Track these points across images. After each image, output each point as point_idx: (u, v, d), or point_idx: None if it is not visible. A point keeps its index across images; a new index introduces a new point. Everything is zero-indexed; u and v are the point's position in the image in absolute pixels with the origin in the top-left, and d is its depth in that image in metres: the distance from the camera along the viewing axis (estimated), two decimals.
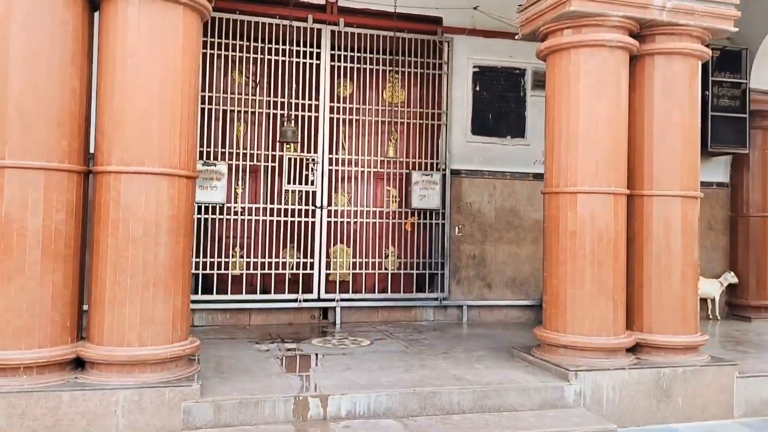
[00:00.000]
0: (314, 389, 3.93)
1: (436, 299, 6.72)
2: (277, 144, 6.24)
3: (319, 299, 6.39)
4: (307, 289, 6.37)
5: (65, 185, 3.57)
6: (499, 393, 4.07)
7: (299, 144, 6.41)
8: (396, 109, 6.79)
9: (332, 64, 6.44)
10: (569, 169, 4.49)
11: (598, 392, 4.23)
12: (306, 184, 6.37)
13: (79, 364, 3.66)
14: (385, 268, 6.67)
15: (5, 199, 3.41)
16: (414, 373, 4.37)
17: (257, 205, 6.30)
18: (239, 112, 6.33)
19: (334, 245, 6.61)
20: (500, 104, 7.02)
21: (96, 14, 3.80)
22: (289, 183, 6.30)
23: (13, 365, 3.41)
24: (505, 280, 6.99)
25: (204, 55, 6.10)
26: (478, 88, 6.93)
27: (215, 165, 6.03)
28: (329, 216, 6.47)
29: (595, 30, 4.42)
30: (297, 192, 6.41)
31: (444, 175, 6.74)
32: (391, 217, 6.73)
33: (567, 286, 4.45)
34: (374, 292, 6.59)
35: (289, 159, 6.31)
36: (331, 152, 6.47)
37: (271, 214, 6.32)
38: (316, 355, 4.94)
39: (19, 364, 3.42)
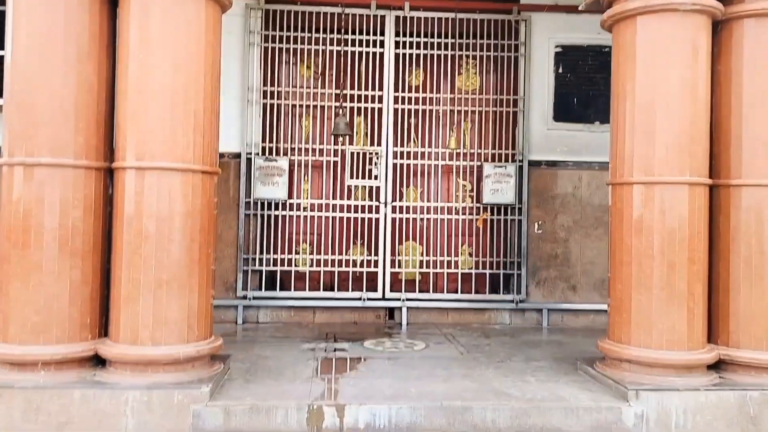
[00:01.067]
0: (333, 397, 3.67)
1: (512, 301, 6.20)
2: (339, 138, 6.04)
3: (383, 298, 6.12)
4: (373, 287, 6.12)
5: (82, 182, 3.57)
6: (542, 411, 3.57)
7: (365, 136, 6.19)
8: (469, 96, 6.34)
9: (397, 51, 6.12)
10: (634, 156, 3.87)
11: (665, 416, 3.60)
12: (369, 178, 6.11)
13: (100, 361, 3.67)
14: (457, 267, 6.26)
15: (21, 196, 3.47)
16: (452, 383, 3.98)
17: (320, 201, 6.13)
18: (306, 106, 6.20)
19: (405, 242, 6.29)
20: (587, 87, 6.34)
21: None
22: (351, 178, 6.08)
23: (32, 361, 3.47)
24: (592, 281, 6.31)
25: (270, 49, 6.04)
26: (561, 70, 6.31)
27: (276, 161, 5.94)
28: (397, 212, 6.18)
29: None
30: (361, 187, 6.18)
31: (521, 167, 6.20)
32: (465, 213, 6.31)
33: (632, 291, 3.85)
34: (444, 292, 6.21)
35: (352, 153, 6.08)
36: (396, 145, 6.16)
37: (335, 210, 6.14)
38: (360, 358, 4.67)
39: (37, 360, 3.47)
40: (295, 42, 6.10)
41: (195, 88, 3.63)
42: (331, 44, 6.09)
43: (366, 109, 6.14)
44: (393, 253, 6.23)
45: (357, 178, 6.09)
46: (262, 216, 6.04)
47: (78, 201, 3.56)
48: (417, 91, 6.23)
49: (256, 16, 6.00)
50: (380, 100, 6.10)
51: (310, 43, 6.10)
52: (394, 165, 6.15)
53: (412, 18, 6.12)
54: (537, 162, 6.27)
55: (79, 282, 3.57)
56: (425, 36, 6.16)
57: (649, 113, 3.80)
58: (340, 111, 5.11)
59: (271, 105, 6.05)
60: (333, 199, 6.14)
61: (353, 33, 6.08)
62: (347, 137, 6.02)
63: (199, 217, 3.67)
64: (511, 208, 6.25)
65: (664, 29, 3.79)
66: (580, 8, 4.42)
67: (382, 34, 6.12)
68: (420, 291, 6.18)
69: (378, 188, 6.13)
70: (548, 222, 6.29)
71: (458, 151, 6.22)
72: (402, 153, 6.17)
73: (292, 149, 6.10)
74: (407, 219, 6.22)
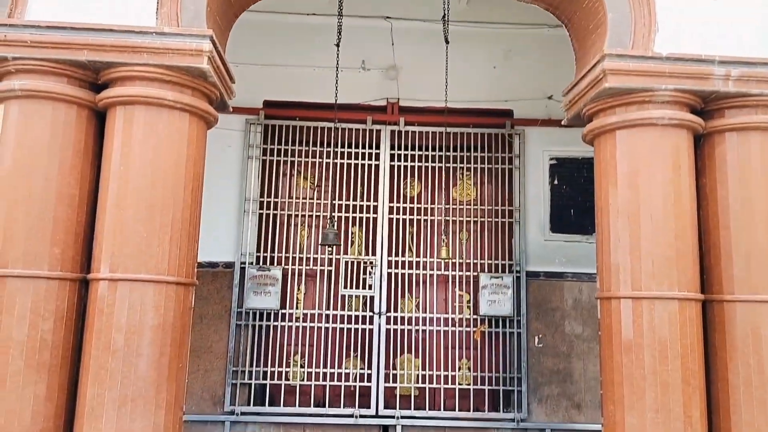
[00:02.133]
0: None
1: (513, 420, 5.88)
2: (330, 247, 6.02)
3: (377, 415, 5.85)
4: (366, 403, 5.87)
5: (55, 293, 3.53)
6: None
7: (360, 246, 6.17)
8: (464, 207, 6.35)
9: (392, 163, 6.22)
10: (620, 269, 3.76)
11: None
12: (364, 288, 6.02)
13: None
14: (455, 383, 6.01)
15: None
16: None
17: (313, 311, 6.03)
18: (302, 216, 6.25)
19: (400, 355, 6.10)
20: (583, 198, 6.34)
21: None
22: (346, 287, 6.00)
23: None
24: (597, 400, 5.98)
25: (269, 161, 6.18)
26: (556, 182, 6.33)
27: (269, 270, 5.91)
28: (392, 323, 6.03)
29: (640, 108, 3.80)
30: (355, 297, 6.09)
31: (518, 278, 6.09)
32: (462, 325, 6.13)
33: (624, 413, 3.61)
34: (441, 409, 5.93)
35: (347, 262, 6.04)
36: (391, 254, 6.12)
37: (329, 321, 6.02)
38: None
39: None
40: (293, 155, 6.24)
41: (173, 199, 3.66)
42: (328, 157, 6.22)
43: (362, 219, 6.16)
44: (388, 367, 6.02)
45: (351, 287, 6.01)
46: (254, 326, 5.94)
47: (49, 312, 3.50)
48: (412, 201, 6.27)
49: (256, 131, 6.19)
50: (375, 210, 6.13)
51: (307, 156, 6.24)
52: (389, 274, 6.08)
53: (407, 132, 6.27)
54: (535, 273, 6.15)
55: (43, 397, 3.44)
56: (420, 149, 6.28)
57: (633, 226, 3.73)
58: (332, 220, 5.13)
59: (267, 215, 6.10)
60: (327, 309, 6.04)
61: (350, 146, 6.22)
62: (342, 246, 6.01)
63: (171, 330, 3.58)
64: (509, 321, 6.07)
65: (643, 143, 3.79)
66: (563, 123, 4.47)
67: (378, 147, 6.25)
68: (416, 408, 5.91)
69: (372, 298, 6.03)
70: (549, 335, 6.08)
71: (453, 260, 6.15)
72: (397, 262, 6.12)
73: (287, 258, 6.08)
74: (403, 330, 6.06)
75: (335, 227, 5.55)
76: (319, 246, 6.10)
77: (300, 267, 6.08)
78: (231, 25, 4.42)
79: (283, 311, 5.98)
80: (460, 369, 6.12)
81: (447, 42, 5.33)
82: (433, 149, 6.26)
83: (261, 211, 6.07)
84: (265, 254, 6.03)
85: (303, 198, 6.25)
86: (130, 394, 3.41)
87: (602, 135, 3.99)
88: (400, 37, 6.31)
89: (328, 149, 6.21)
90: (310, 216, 6.20)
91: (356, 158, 6.22)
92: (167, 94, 3.67)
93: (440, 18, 5.22)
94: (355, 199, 6.17)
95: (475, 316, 6.13)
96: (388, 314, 6.03)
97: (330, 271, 6.10)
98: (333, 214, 5.25)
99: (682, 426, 3.48)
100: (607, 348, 3.80)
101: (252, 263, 5.97)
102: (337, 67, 5.16)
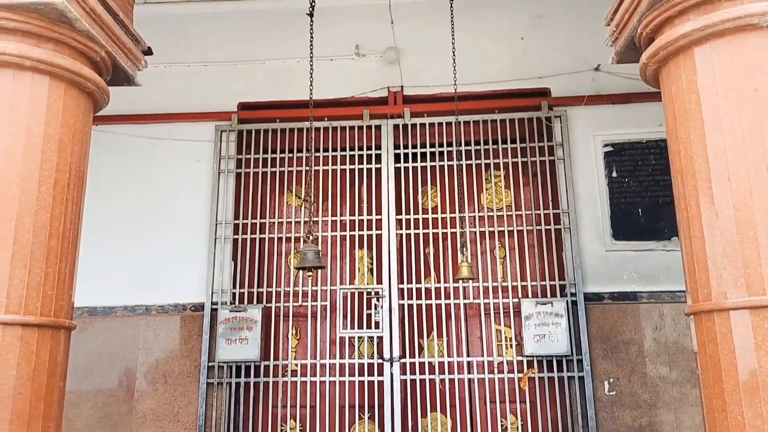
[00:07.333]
0: None
1: None
2: (328, 275, 4.69)
3: None
4: None
5: None
6: None
7: (369, 273, 4.82)
8: (496, 214, 4.91)
9: (397, 165, 4.89)
10: (726, 264, 2.27)
11: None
12: (369, 327, 4.63)
13: None
14: None
15: None
16: None
17: (305, 362, 4.66)
18: (288, 239, 4.96)
19: (427, 414, 4.62)
20: (653, 193, 4.80)
21: None
22: (345, 328, 4.63)
23: None
24: None
25: (245, 175, 4.98)
26: (615, 174, 4.84)
27: (245, 310, 4.60)
28: (411, 372, 4.59)
29: (733, 1, 2.38)
30: (360, 340, 4.70)
31: (574, 302, 4.57)
32: (504, 371, 4.62)
33: None
34: None
35: (344, 294, 4.68)
36: (402, 281, 4.72)
37: (325, 374, 4.63)
38: None
39: None
40: (274, 164, 5.01)
41: (20, 199, 2.45)
42: (317, 163, 4.95)
43: (362, 237, 4.82)
44: (413, 430, 4.56)
45: (353, 327, 4.63)
46: (230, 385, 4.60)
47: None
48: (426, 212, 4.90)
49: (228, 140, 5.01)
50: (379, 226, 4.79)
51: (291, 165, 5.00)
52: (402, 307, 4.66)
53: (414, 126, 4.96)
54: (597, 295, 4.62)
55: None
56: (431, 146, 4.94)
57: (741, 193, 2.26)
58: (310, 236, 3.82)
59: (243, 241, 4.84)
60: (323, 358, 4.66)
61: (343, 149, 4.96)
62: (348, 275, 4.67)
63: (21, 394, 2.31)
64: (566, 361, 4.52)
65: (740, 58, 2.35)
66: (610, 62, 3.06)
67: (378, 147, 4.94)
68: None
69: (382, 339, 4.62)
70: (624, 379, 4.49)
71: (486, 285, 4.69)
72: (411, 291, 4.71)
73: (269, 294, 4.77)
74: (425, 381, 4.60)
75: (316, 244, 4.24)
76: (307, 276, 4.75)
77: (286, 304, 4.74)
78: None
79: (266, 363, 4.62)
80: (505, 430, 4.59)
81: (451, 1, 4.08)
82: (449, 144, 4.90)
83: (236, 236, 4.82)
84: (242, 290, 4.74)
85: (288, 217, 4.97)
86: None
87: (671, 60, 2.56)
88: (399, 15, 5.08)
89: (317, 154, 4.95)
90: (297, 239, 4.89)
91: (352, 162, 4.94)
92: (7, 47, 2.51)
93: None
94: (353, 214, 4.85)
95: (520, 358, 4.62)
96: (404, 360, 4.59)
97: (324, 307, 4.73)
98: (312, 227, 3.92)
99: None
100: (712, 390, 2.28)
101: (226, 303, 4.69)
102: (311, 47, 3.97)
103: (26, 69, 2.55)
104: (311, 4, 4.01)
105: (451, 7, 4.14)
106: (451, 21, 4.12)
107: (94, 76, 2.78)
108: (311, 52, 3.98)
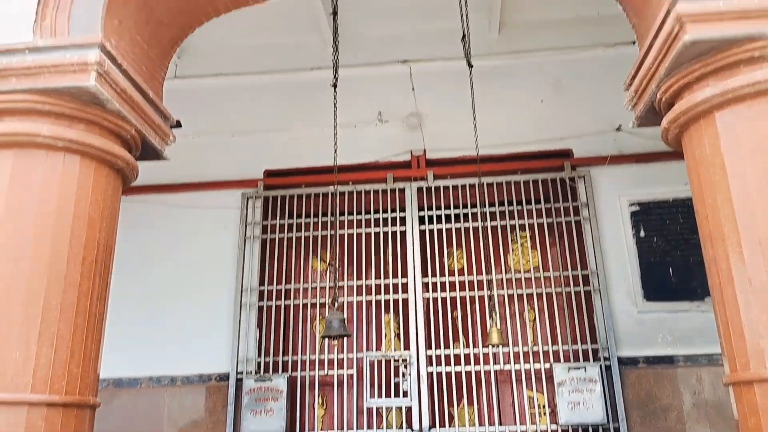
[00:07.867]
0: None
1: None
2: (354, 341, 4.64)
3: None
4: None
5: None
6: None
7: (397, 339, 4.76)
8: (523, 276, 4.83)
9: (422, 228, 4.88)
10: (762, 335, 2.20)
11: None
12: (397, 396, 4.53)
13: None
14: None
15: None
16: None
17: None
18: (314, 305, 4.93)
19: None
20: (684, 251, 4.71)
21: None
22: (372, 396, 4.53)
23: None
24: None
25: (271, 241, 5.01)
26: (642, 234, 4.76)
27: (270, 380, 4.55)
28: None
29: (752, 66, 2.38)
30: (386, 409, 4.59)
31: (608, 367, 4.43)
32: None
33: None
34: None
35: (371, 362, 4.61)
36: (430, 347, 4.63)
37: None
38: None
39: None
40: (299, 229, 5.04)
41: (49, 277, 2.49)
42: (342, 227, 4.97)
43: (388, 302, 4.78)
44: None
45: (381, 396, 4.54)
46: None
47: None
48: (453, 274, 4.85)
49: (254, 206, 5.08)
50: (405, 290, 4.75)
51: (316, 229, 5.02)
52: (430, 375, 4.57)
53: (437, 188, 4.97)
54: (632, 359, 4.48)
55: None
56: (455, 207, 4.93)
57: None
58: (335, 303, 3.80)
59: (269, 308, 4.84)
60: (350, 428, 4.55)
61: (368, 212, 4.98)
62: (374, 342, 4.62)
63: None
64: (603, 430, 4.35)
65: (764, 122, 2.33)
66: (630, 126, 3.06)
67: (403, 210, 4.96)
68: None
69: (410, 409, 4.51)
70: None
71: (516, 350, 4.59)
72: (440, 357, 4.62)
73: (294, 363, 4.71)
74: None
75: (342, 311, 4.21)
76: (333, 344, 4.70)
77: (312, 373, 4.67)
78: (168, 53, 3.38)
79: None
80: None
81: (470, 65, 4.15)
82: (473, 206, 4.90)
83: (261, 303, 4.82)
84: (267, 359, 4.70)
85: (313, 282, 4.96)
86: None
87: (693, 123, 2.56)
88: (420, 82, 5.18)
89: (342, 218, 4.97)
90: (323, 304, 4.87)
91: (377, 225, 4.95)
92: (41, 129, 2.60)
93: (462, 48, 4.09)
94: (378, 277, 4.83)
95: (554, 426, 4.46)
96: (434, 430, 4.46)
97: (351, 376, 4.66)
98: (337, 294, 3.90)
99: None
100: None
101: (251, 372, 4.65)
102: (335, 115, 4.02)
103: (59, 149, 2.63)
104: (335, 76, 4.11)
105: (470, 74, 4.21)
106: (471, 87, 4.17)
107: (124, 153, 2.86)
108: (335, 120, 4.04)
